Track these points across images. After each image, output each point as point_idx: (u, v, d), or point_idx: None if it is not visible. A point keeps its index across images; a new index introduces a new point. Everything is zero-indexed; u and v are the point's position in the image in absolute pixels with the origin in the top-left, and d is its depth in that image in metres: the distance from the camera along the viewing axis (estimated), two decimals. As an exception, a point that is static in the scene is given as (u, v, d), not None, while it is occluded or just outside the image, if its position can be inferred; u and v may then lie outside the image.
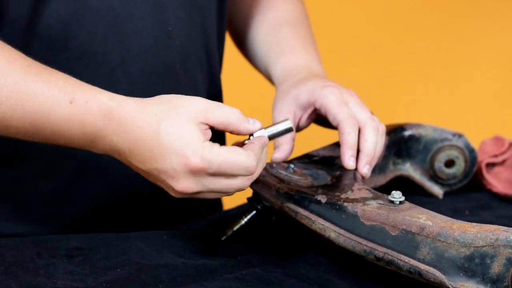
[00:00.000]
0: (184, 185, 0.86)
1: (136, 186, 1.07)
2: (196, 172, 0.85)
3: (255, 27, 1.21)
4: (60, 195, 1.06)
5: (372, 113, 1.04)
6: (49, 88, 0.87)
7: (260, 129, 0.91)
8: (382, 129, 1.03)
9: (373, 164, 1.01)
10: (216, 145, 0.86)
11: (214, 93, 1.16)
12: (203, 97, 1.10)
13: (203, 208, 1.21)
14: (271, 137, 0.92)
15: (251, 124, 0.89)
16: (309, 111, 1.06)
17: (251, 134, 0.90)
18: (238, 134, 0.89)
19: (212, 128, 0.88)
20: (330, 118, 1.02)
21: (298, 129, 1.08)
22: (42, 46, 0.98)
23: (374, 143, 1.01)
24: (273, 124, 0.93)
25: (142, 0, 1.01)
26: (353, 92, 1.05)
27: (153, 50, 1.03)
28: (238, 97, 1.50)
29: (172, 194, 0.88)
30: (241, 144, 0.93)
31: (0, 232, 1.04)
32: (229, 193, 0.88)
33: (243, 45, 1.24)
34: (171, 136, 0.85)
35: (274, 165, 1.01)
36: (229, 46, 1.23)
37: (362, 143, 1.00)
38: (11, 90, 0.87)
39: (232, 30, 1.27)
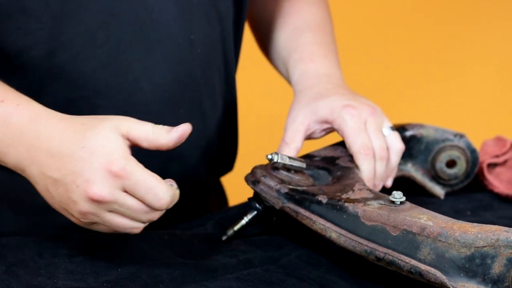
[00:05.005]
0: (98, 189, 0.84)
1: None
2: (115, 177, 0.84)
3: (277, 31, 1.21)
4: None
5: (392, 128, 1.06)
6: None
7: (282, 156, 0.97)
8: (397, 149, 1.05)
9: (379, 188, 1.05)
10: (141, 165, 0.85)
11: (230, 101, 1.16)
12: (220, 104, 1.11)
13: (210, 204, 1.21)
14: (287, 167, 0.98)
15: (174, 131, 0.87)
16: (325, 126, 1.07)
17: (272, 159, 0.96)
18: (161, 148, 0.88)
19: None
20: (347, 145, 1.04)
21: (309, 139, 1.08)
22: (68, 55, 0.98)
23: (380, 176, 1.03)
24: (291, 158, 0.98)
25: (167, 8, 1.01)
26: (373, 110, 1.05)
27: (176, 58, 1.03)
28: (251, 104, 1.51)
29: (76, 211, 0.86)
30: (263, 167, 0.98)
31: (4, 231, 1.04)
32: (124, 226, 0.87)
33: (266, 49, 1.25)
34: (97, 142, 0.85)
35: (276, 165, 1.01)
36: (242, 53, 1.23)
37: None
38: None
39: (256, 33, 1.27)
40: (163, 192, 0.85)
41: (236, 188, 1.34)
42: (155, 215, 0.87)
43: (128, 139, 0.86)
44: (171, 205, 0.87)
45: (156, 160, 0.98)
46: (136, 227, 0.87)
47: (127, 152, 0.85)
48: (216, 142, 1.13)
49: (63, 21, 0.96)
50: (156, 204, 0.85)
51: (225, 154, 1.18)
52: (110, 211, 0.86)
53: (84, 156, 0.84)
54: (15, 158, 0.87)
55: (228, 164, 1.21)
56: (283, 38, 1.20)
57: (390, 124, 1.06)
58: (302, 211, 0.94)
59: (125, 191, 0.85)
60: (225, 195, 1.30)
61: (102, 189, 0.84)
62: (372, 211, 0.89)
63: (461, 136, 1.15)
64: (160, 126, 0.87)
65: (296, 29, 1.19)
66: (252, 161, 1.09)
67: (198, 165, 1.11)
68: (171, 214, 1.12)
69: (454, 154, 1.15)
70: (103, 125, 0.86)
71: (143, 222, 0.87)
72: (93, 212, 0.85)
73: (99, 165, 0.84)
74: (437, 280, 0.83)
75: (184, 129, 0.87)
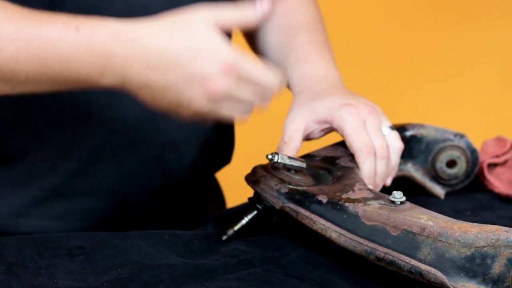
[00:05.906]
0: (216, 84, 0.84)
1: (145, 178, 1.07)
2: (229, 70, 0.84)
3: (269, 31, 1.21)
4: (72, 187, 1.06)
5: (391, 127, 1.06)
6: (53, 23, 0.86)
7: (282, 156, 0.96)
8: (397, 148, 1.05)
9: (380, 187, 1.05)
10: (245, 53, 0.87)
11: None
12: None
13: (208, 205, 1.21)
14: (287, 166, 0.98)
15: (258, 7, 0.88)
16: (324, 126, 1.07)
17: (272, 159, 0.96)
18: (249, 23, 0.88)
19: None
20: (347, 144, 1.04)
21: (308, 139, 1.08)
22: None
23: (381, 175, 1.03)
24: (292, 157, 0.98)
25: None
26: (372, 109, 1.05)
27: None
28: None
29: (191, 111, 0.86)
30: (263, 167, 0.98)
31: (7, 230, 1.04)
32: (247, 108, 0.87)
33: (254, 46, 1.24)
34: (199, 38, 0.84)
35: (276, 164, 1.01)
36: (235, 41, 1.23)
37: None
38: (13, 33, 0.85)
39: (246, 34, 1.27)
40: (272, 77, 0.87)
41: (233, 188, 1.34)
42: (265, 103, 0.88)
43: (220, 28, 0.86)
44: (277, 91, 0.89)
45: (152, 147, 0.97)
46: (245, 115, 0.88)
47: (228, 41, 0.85)
48: (212, 129, 1.13)
49: (55, 5, 0.96)
50: (269, 87, 0.87)
51: (222, 142, 1.18)
52: (227, 103, 0.86)
53: (194, 55, 0.84)
54: (112, 77, 0.85)
55: (225, 155, 1.20)
56: (276, 39, 1.20)
57: (389, 124, 1.06)
58: (302, 211, 0.94)
59: (239, 82, 0.85)
60: (223, 196, 1.29)
61: (220, 83, 0.84)
62: (372, 211, 0.89)
63: (462, 136, 1.15)
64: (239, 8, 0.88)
65: (290, 30, 1.19)
66: (250, 160, 1.09)
67: (194, 153, 1.10)
68: (171, 214, 1.12)
69: (455, 154, 1.15)
70: (195, 21, 0.85)
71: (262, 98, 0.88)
72: (209, 109, 0.85)
73: (210, 60, 0.84)
74: (437, 280, 0.83)
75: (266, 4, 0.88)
